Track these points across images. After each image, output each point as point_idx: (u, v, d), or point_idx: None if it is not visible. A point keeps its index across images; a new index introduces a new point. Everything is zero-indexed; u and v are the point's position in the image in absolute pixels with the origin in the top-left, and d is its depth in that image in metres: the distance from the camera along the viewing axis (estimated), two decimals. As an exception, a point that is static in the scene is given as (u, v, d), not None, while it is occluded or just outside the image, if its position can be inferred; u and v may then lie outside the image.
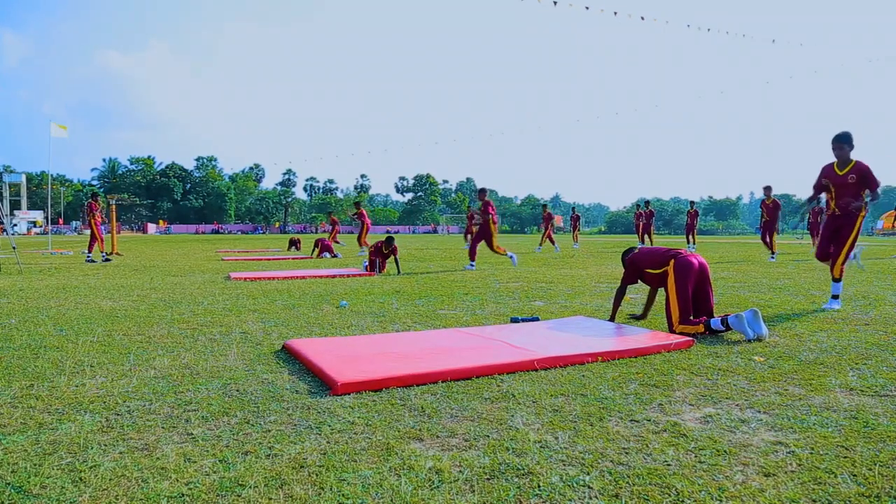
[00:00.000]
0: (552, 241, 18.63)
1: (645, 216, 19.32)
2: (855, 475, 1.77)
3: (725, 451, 1.94)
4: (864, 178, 5.13)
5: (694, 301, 4.11)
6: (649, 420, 2.25)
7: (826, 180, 5.35)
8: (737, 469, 1.81)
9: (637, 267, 4.44)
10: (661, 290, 4.79)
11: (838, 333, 3.98)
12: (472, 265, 10.01)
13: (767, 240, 13.48)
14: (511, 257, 10.62)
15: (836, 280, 5.27)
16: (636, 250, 4.61)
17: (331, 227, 18.77)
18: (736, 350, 3.48)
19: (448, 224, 78.84)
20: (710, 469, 1.81)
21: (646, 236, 19.30)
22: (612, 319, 4.48)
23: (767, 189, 13.28)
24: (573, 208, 24.38)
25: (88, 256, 12.70)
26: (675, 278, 4.08)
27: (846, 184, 5.19)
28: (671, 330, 4.03)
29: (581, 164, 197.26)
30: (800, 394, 2.60)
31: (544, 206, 20.65)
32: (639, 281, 4.57)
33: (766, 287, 6.98)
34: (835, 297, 5.26)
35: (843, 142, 5.20)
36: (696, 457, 1.90)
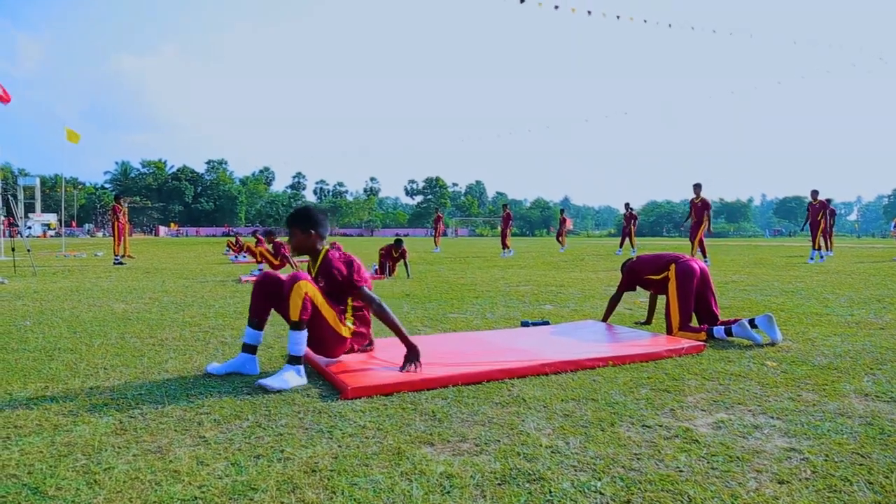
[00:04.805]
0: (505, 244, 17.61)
1: (625, 219, 19.09)
2: (871, 483, 1.75)
3: (738, 458, 1.93)
4: None
5: (695, 308, 4.07)
6: (661, 425, 2.24)
7: None
8: (750, 476, 1.80)
9: (637, 274, 4.38)
10: (660, 297, 4.77)
11: (852, 338, 3.93)
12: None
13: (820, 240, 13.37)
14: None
15: None
16: (633, 258, 4.58)
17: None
18: (748, 355, 3.45)
19: (458, 227, 78.85)
20: (723, 475, 1.80)
21: (626, 239, 18.96)
22: (604, 321, 4.47)
23: (814, 192, 13.49)
24: (562, 210, 23.34)
25: (116, 259, 12.78)
26: (676, 283, 4.04)
27: None
28: (669, 334, 3.99)
29: (591, 167, 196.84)
30: (813, 399, 2.57)
31: (504, 205, 18.96)
32: (637, 288, 4.52)
33: (779, 290, 6.92)
34: None
35: None
36: (708, 463, 1.89)
